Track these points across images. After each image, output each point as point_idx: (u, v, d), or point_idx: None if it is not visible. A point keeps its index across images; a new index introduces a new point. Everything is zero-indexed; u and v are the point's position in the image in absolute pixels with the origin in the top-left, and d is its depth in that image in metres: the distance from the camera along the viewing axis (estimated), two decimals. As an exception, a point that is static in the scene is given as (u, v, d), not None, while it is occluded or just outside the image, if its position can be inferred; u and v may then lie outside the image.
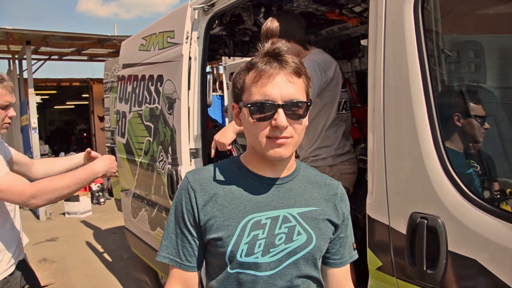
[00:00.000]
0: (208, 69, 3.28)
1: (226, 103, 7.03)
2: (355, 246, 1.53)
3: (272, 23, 2.75)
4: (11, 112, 2.31)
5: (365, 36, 1.95)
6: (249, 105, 1.27)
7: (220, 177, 1.41)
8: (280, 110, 1.24)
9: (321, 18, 4.04)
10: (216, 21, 3.20)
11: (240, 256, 1.30)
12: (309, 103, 1.30)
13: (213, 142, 2.63)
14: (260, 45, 1.34)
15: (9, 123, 2.33)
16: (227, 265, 1.33)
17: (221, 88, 9.56)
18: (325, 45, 5.32)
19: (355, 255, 1.53)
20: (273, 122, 1.24)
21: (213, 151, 2.69)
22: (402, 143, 1.69)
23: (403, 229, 1.68)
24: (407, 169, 1.68)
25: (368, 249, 1.86)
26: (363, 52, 4.84)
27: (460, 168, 1.60)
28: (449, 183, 1.54)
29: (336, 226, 1.44)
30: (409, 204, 1.67)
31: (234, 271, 1.32)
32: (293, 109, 1.26)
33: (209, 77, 3.17)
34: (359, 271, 2.17)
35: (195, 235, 1.38)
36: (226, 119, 6.73)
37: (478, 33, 1.76)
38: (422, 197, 1.63)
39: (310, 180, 1.45)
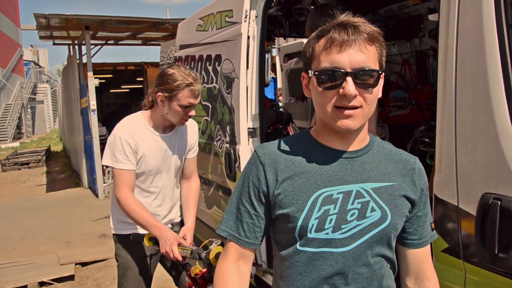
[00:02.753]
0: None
1: (279, 85, 7.00)
2: (433, 226, 1.46)
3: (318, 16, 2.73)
4: (192, 111, 2.58)
5: (433, 11, 1.87)
6: (317, 73, 1.23)
7: (290, 151, 1.36)
8: (349, 78, 1.18)
9: (380, -4, 3.93)
10: (274, 0, 3.17)
11: (310, 232, 1.26)
12: (380, 72, 1.24)
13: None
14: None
15: (187, 120, 2.63)
16: (296, 241, 1.29)
17: (274, 70, 9.53)
18: (384, 25, 5.17)
19: (434, 236, 1.46)
20: (341, 90, 1.19)
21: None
22: (475, 121, 1.62)
23: (473, 210, 1.62)
24: (481, 148, 1.61)
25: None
26: (424, 31, 4.66)
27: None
28: (527, 162, 1.47)
29: (413, 203, 1.36)
30: (481, 184, 1.61)
31: (304, 248, 1.29)
32: (363, 78, 1.20)
33: (267, 56, 3.16)
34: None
35: (259, 211, 1.35)
36: (279, 102, 6.71)
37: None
38: (496, 177, 1.56)
39: (385, 154, 1.39)
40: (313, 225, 1.26)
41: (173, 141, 2.69)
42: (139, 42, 13.43)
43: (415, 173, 1.38)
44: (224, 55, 3.44)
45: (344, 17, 1.26)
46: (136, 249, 2.69)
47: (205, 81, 3.84)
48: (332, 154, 1.33)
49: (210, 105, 3.79)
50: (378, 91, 1.27)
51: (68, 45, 12.75)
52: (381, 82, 1.27)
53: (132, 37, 12.48)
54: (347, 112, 1.21)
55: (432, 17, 1.96)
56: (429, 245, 1.44)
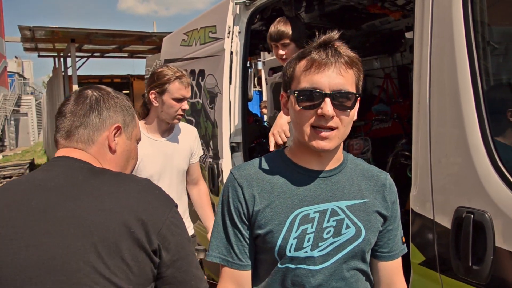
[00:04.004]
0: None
1: (264, 98, 7.05)
2: (404, 240, 1.49)
3: (285, 27, 2.80)
4: (185, 105, 2.64)
5: (410, 28, 1.93)
6: (296, 92, 1.27)
7: (266, 171, 1.39)
8: (327, 99, 1.22)
9: (362, 12, 4.00)
10: (258, 16, 3.22)
11: (290, 251, 1.29)
12: (358, 95, 1.28)
13: (271, 138, 2.62)
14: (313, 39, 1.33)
15: (181, 115, 2.67)
16: (277, 261, 1.31)
17: (260, 83, 9.59)
18: (366, 40, 5.26)
19: (404, 249, 1.49)
20: (319, 110, 1.22)
21: (272, 147, 2.68)
22: (448, 137, 1.66)
23: (448, 224, 1.65)
24: (454, 163, 1.65)
25: (411, 243, 1.84)
26: (405, 46, 4.75)
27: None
28: (498, 177, 1.51)
29: (385, 218, 1.40)
30: (455, 198, 1.64)
31: (284, 266, 1.31)
32: (340, 100, 1.24)
33: (250, 71, 3.20)
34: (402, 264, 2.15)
35: (245, 232, 1.35)
36: (264, 115, 6.76)
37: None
38: (469, 191, 1.60)
39: (357, 172, 1.42)
40: (292, 244, 1.28)
41: (171, 145, 2.73)
42: (125, 54, 13.44)
43: (385, 189, 1.43)
44: (208, 70, 3.47)
45: (325, 37, 1.29)
46: None
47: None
48: (307, 174, 1.36)
49: (193, 120, 3.81)
50: (354, 114, 1.31)
51: (54, 57, 12.71)
52: (357, 105, 1.31)
53: (118, 50, 12.50)
54: (323, 134, 1.24)
55: (408, 34, 2.02)
56: (400, 259, 1.47)
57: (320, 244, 1.29)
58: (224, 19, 3.16)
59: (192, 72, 3.81)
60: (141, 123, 2.68)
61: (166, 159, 2.69)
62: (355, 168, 1.43)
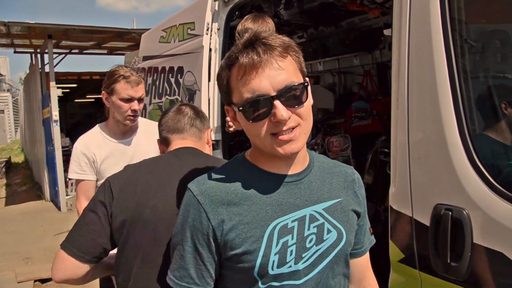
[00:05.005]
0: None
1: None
2: (372, 231, 1.47)
3: (254, 25, 2.75)
4: (135, 105, 2.53)
5: (388, 26, 1.92)
6: (241, 108, 1.14)
7: (229, 182, 1.23)
8: (277, 102, 1.10)
9: (341, 9, 4.01)
10: (237, 13, 3.20)
11: (272, 269, 1.16)
12: (306, 83, 1.16)
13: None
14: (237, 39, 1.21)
15: (133, 116, 2.56)
16: (257, 281, 1.18)
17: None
18: (346, 37, 5.28)
19: (373, 240, 1.45)
20: (273, 117, 1.10)
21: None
22: (427, 134, 1.67)
23: (426, 221, 1.66)
24: (432, 160, 1.65)
25: (390, 241, 1.84)
26: (384, 43, 4.79)
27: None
28: (475, 174, 1.51)
29: (358, 214, 1.35)
30: (433, 195, 1.65)
31: (267, 285, 1.18)
32: (290, 96, 1.12)
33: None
34: (380, 263, 2.16)
35: (204, 256, 1.20)
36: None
37: (507, 22, 1.72)
38: (447, 188, 1.60)
39: (326, 169, 1.33)
40: (273, 261, 1.16)
41: (134, 145, 2.68)
42: (105, 51, 13.22)
43: (355, 184, 1.37)
44: (186, 67, 3.43)
45: (249, 35, 1.15)
46: None
47: (168, 93, 3.82)
48: (277, 180, 1.23)
49: (172, 117, 3.76)
50: (310, 102, 1.19)
51: (30, 53, 12.44)
52: (309, 89, 1.19)
53: (97, 47, 12.28)
54: (285, 137, 1.13)
55: (386, 31, 2.02)
56: (368, 252, 1.44)
57: (303, 255, 1.19)
58: (203, 15, 3.12)
59: (171, 69, 3.77)
60: (101, 125, 2.69)
61: (127, 160, 2.60)
62: (322, 166, 1.34)
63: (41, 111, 11.18)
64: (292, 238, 1.18)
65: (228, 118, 2.58)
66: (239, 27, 2.87)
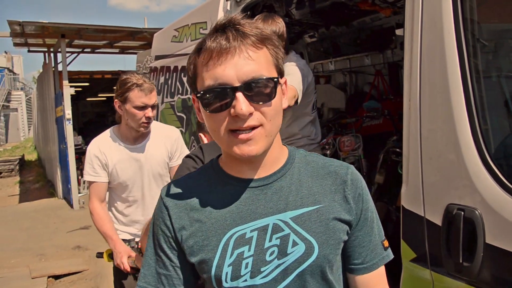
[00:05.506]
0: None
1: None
2: (386, 245, 1.21)
3: (264, 25, 2.79)
4: (149, 112, 2.57)
5: (400, 26, 1.92)
6: (199, 94, 1.03)
7: (196, 187, 1.17)
8: (239, 94, 0.98)
9: (353, 8, 4.00)
10: (248, 12, 3.20)
11: (226, 281, 1.06)
12: (277, 79, 1.04)
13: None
14: None
15: (147, 123, 2.60)
16: None
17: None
18: (357, 37, 5.27)
19: (387, 256, 1.20)
20: (232, 110, 0.99)
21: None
22: (439, 134, 1.66)
23: (438, 221, 1.66)
24: (444, 160, 1.65)
25: (402, 240, 1.84)
26: (395, 43, 4.77)
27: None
28: (488, 174, 1.51)
29: (349, 223, 1.13)
30: (445, 195, 1.65)
31: None
32: (256, 90, 1.00)
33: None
34: (392, 263, 2.16)
35: (174, 261, 1.15)
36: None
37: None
38: (459, 188, 1.60)
39: (309, 171, 1.17)
40: (227, 273, 1.07)
41: (144, 151, 2.72)
42: (116, 50, 13.32)
43: (347, 187, 1.15)
44: (199, 66, 3.45)
45: (223, 19, 1.05)
46: None
47: (180, 92, 3.85)
48: (240, 185, 1.13)
49: (184, 116, 3.79)
50: (279, 102, 1.08)
51: (44, 52, 12.57)
52: (285, 88, 1.11)
53: (109, 46, 12.38)
54: (243, 136, 1.01)
55: (399, 31, 2.02)
56: (381, 269, 1.19)
57: (262, 269, 1.06)
58: (215, 15, 3.14)
59: (183, 68, 3.79)
60: (114, 129, 2.74)
61: (137, 166, 2.70)
62: (306, 167, 1.18)
63: (54, 110, 11.31)
64: (249, 250, 1.07)
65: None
66: None
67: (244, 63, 1.00)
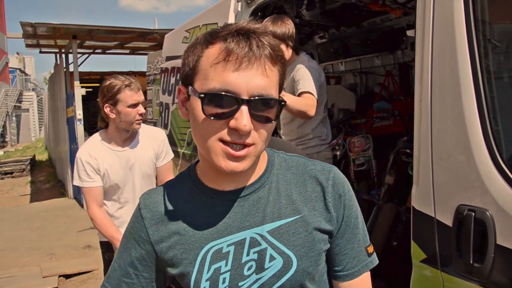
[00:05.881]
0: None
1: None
2: (370, 251, 1.16)
3: (274, 27, 2.81)
4: (141, 109, 2.68)
5: (411, 26, 1.92)
6: (202, 95, 0.95)
7: (174, 197, 1.12)
8: (244, 108, 0.92)
9: (363, 9, 4.00)
10: (259, 13, 3.22)
11: None
12: (283, 103, 1.00)
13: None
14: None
15: (140, 120, 2.71)
16: None
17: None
18: (367, 37, 5.26)
19: (371, 262, 1.16)
20: (232, 122, 0.93)
21: None
22: (450, 134, 1.66)
23: (449, 222, 1.65)
24: (455, 160, 1.65)
25: (412, 241, 1.84)
26: (406, 43, 4.76)
27: None
28: (499, 175, 1.51)
29: (329, 233, 1.09)
30: (456, 196, 1.64)
31: None
32: (261, 108, 0.95)
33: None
34: (402, 263, 2.16)
35: (140, 270, 1.12)
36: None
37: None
38: (470, 189, 1.60)
39: (288, 178, 1.12)
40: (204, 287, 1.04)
41: (133, 153, 2.81)
42: (127, 51, 13.42)
43: (327, 193, 1.09)
44: (209, 67, 3.47)
45: (247, 23, 0.99)
46: None
47: (190, 92, 3.87)
48: (218, 197, 1.08)
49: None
50: (274, 125, 1.03)
51: (55, 53, 12.69)
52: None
53: (119, 47, 12.47)
54: (234, 152, 0.96)
55: (409, 32, 2.02)
56: (365, 275, 1.15)
57: (240, 284, 1.03)
58: (225, 16, 3.16)
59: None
60: (102, 134, 2.81)
61: (127, 168, 2.78)
62: (286, 173, 1.13)
63: (65, 110, 11.41)
64: (226, 265, 1.04)
65: None
66: None
67: (258, 77, 0.94)
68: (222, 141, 0.96)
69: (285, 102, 1.01)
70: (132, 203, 2.86)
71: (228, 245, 1.05)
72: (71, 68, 11.25)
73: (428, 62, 1.73)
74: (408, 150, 3.58)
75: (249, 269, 1.03)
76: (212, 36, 0.97)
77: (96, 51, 12.94)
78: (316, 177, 1.11)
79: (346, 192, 1.12)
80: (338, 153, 4.45)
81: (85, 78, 14.75)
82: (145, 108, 2.77)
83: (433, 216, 1.73)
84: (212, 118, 0.95)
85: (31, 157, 20.84)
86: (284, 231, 1.05)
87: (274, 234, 1.05)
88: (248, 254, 1.04)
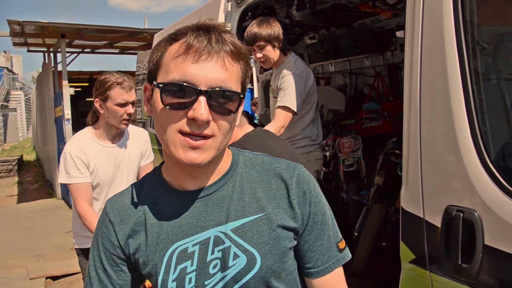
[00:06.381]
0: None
1: (255, 95, 7.05)
2: (341, 246, 1.17)
3: (259, 29, 2.83)
4: (129, 109, 2.64)
5: (401, 28, 1.93)
6: (161, 85, 0.98)
7: (140, 199, 1.13)
8: (202, 98, 0.95)
9: (353, 10, 4.01)
10: (249, 13, 3.21)
11: None
12: (242, 96, 1.03)
13: None
14: None
15: (128, 120, 2.68)
16: None
17: (251, 81, 9.60)
18: (357, 38, 5.28)
19: (342, 258, 1.16)
20: (190, 112, 0.95)
21: None
22: (439, 135, 1.67)
23: (437, 222, 1.66)
24: (444, 161, 1.66)
25: (401, 242, 1.85)
26: (396, 45, 4.78)
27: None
28: (487, 176, 1.51)
29: (295, 230, 1.10)
30: (445, 197, 1.65)
31: None
32: (220, 100, 0.98)
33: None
34: (391, 264, 2.16)
35: (114, 278, 1.13)
36: (255, 113, 6.75)
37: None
38: (458, 190, 1.60)
39: (253, 176, 1.13)
40: None
41: (122, 150, 2.80)
42: (116, 51, 13.33)
43: (291, 191, 1.10)
44: (199, 67, 3.45)
45: (208, 20, 1.03)
46: None
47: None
48: (181, 197, 1.10)
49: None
50: (236, 119, 1.05)
51: (43, 52, 12.57)
52: (241, 108, 1.07)
53: (109, 46, 12.38)
54: (193, 142, 0.97)
55: (399, 33, 2.03)
56: (338, 270, 1.15)
57: (207, 283, 1.04)
58: (215, 16, 3.14)
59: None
60: (90, 130, 2.77)
61: (116, 165, 2.76)
62: (251, 171, 1.14)
63: (53, 110, 11.30)
64: (192, 264, 1.05)
65: None
66: (246, 33, 2.92)
67: (218, 70, 0.97)
68: (181, 133, 0.98)
69: (244, 95, 1.04)
70: None
71: (193, 245, 1.06)
72: (60, 67, 11.15)
73: (417, 63, 1.73)
74: (397, 151, 3.60)
75: (214, 267, 1.05)
76: (176, 33, 1.01)
77: (85, 50, 12.83)
78: (280, 175, 1.12)
79: (311, 189, 1.13)
80: (327, 153, 4.46)
81: (73, 77, 14.65)
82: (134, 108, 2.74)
83: (422, 217, 1.73)
84: (168, 107, 0.97)
85: (18, 157, 20.62)
86: (247, 229, 1.06)
87: (238, 232, 1.06)
88: (212, 253, 1.05)
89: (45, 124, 13.47)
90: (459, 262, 1.56)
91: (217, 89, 0.97)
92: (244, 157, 1.17)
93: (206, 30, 0.99)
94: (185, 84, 0.95)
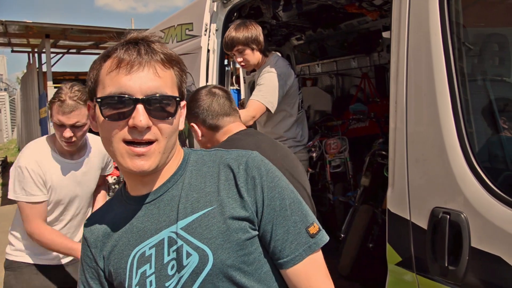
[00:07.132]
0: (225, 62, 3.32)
1: (242, 97, 7.04)
2: (313, 231, 1.09)
3: (236, 33, 2.82)
4: (67, 133, 2.24)
5: (387, 29, 1.92)
6: (99, 100, 1.02)
7: (109, 214, 1.18)
8: (140, 106, 0.99)
9: (340, 11, 4.01)
10: (235, 14, 3.19)
11: None
12: (179, 99, 1.07)
13: None
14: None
15: (67, 143, 2.29)
16: None
17: (238, 82, 9.57)
18: (344, 39, 5.29)
19: (315, 244, 1.09)
20: (130, 120, 0.99)
21: None
22: (425, 137, 1.66)
23: (424, 224, 1.65)
24: (430, 162, 1.65)
25: (387, 244, 1.83)
26: (382, 46, 4.79)
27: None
28: (473, 177, 1.51)
29: (249, 219, 1.07)
30: (431, 198, 1.64)
31: None
32: (157, 105, 1.01)
33: (228, 69, 3.18)
34: (378, 266, 2.15)
35: None
36: (242, 113, 6.74)
37: (505, 25, 1.72)
38: (445, 191, 1.60)
39: (203, 172, 1.13)
40: None
41: (84, 166, 2.50)
42: (102, 51, 13.23)
43: (239, 179, 1.08)
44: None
45: (137, 33, 1.09)
46: (35, 281, 2.44)
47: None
48: (136, 203, 1.13)
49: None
50: (178, 122, 1.10)
51: (28, 52, 12.43)
52: (183, 111, 1.12)
53: (94, 47, 12.30)
54: (138, 149, 1.01)
55: (385, 34, 2.02)
56: (311, 258, 1.09)
57: (167, 284, 1.04)
58: (201, 16, 3.12)
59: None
60: (50, 140, 2.44)
61: (78, 182, 2.46)
62: (201, 168, 1.14)
63: (38, 111, 11.18)
64: (151, 267, 1.06)
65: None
66: (224, 38, 2.90)
67: (151, 78, 1.02)
68: (125, 142, 1.02)
69: (180, 98, 1.07)
70: (73, 221, 2.52)
71: (149, 248, 1.08)
72: (45, 68, 11.03)
73: (403, 63, 1.72)
74: (383, 152, 3.60)
75: (172, 268, 1.05)
76: (108, 51, 1.07)
77: (71, 50, 12.73)
78: (228, 165, 1.12)
79: (262, 174, 1.09)
80: (314, 154, 4.46)
81: (59, 78, 14.47)
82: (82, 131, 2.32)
83: (409, 219, 1.72)
84: (108, 119, 1.02)
85: (2, 158, 20.32)
86: (197, 225, 1.05)
87: (188, 230, 1.06)
88: (168, 254, 1.06)
89: (30, 125, 13.32)
90: (446, 264, 1.55)
91: (153, 95, 1.01)
92: (197, 156, 1.18)
93: (134, 43, 1.04)
94: (121, 95, 1.00)
